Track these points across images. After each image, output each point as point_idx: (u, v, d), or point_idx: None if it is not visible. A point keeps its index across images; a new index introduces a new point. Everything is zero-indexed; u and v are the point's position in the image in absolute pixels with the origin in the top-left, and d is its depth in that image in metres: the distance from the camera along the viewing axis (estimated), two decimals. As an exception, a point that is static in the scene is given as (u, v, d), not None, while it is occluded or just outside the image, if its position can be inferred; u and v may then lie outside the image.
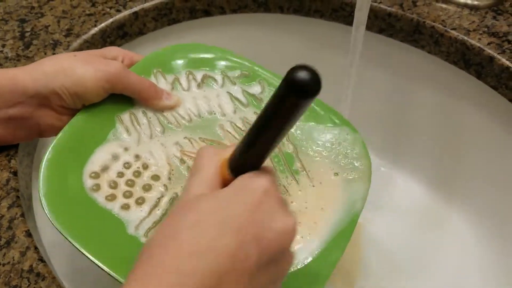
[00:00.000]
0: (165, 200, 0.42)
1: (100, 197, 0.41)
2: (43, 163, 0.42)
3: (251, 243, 0.29)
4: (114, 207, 0.41)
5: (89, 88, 0.44)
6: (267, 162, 0.44)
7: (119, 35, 0.63)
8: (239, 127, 0.48)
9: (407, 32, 0.63)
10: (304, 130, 0.48)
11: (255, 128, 0.30)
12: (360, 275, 0.65)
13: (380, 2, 0.63)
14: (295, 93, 0.27)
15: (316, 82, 0.27)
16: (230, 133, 0.47)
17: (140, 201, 0.41)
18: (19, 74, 0.44)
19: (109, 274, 0.37)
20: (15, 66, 0.56)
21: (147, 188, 0.42)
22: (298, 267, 0.39)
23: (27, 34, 0.60)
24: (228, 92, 0.50)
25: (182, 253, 0.28)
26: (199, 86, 0.50)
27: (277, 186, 0.32)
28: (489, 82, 0.59)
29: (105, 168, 0.43)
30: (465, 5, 0.63)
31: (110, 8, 0.64)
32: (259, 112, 0.48)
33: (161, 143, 0.45)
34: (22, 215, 0.44)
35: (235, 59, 0.53)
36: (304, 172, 0.45)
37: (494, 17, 0.62)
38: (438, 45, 0.61)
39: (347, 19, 0.66)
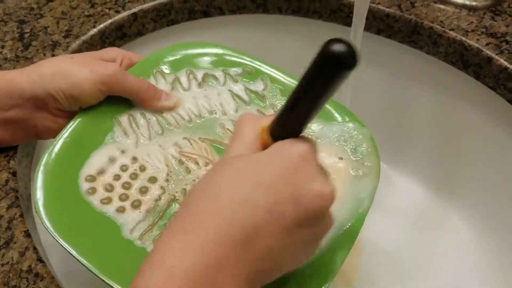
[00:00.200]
0: (162, 202, 0.41)
1: (95, 200, 0.41)
2: (39, 168, 0.42)
3: (288, 201, 0.30)
4: (109, 210, 0.41)
5: (85, 90, 0.44)
6: None
7: (118, 36, 0.63)
8: None
9: (405, 33, 0.63)
10: (311, 126, 0.47)
11: (294, 97, 0.31)
12: (359, 276, 0.65)
13: (378, 3, 0.63)
14: (332, 66, 0.27)
15: (352, 55, 0.27)
16: (231, 132, 0.47)
17: (136, 204, 0.41)
18: (17, 76, 0.44)
19: (99, 278, 0.37)
20: (14, 67, 0.56)
21: (143, 190, 0.42)
22: (302, 266, 0.39)
23: (26, 35, 0.60)
24: (229, 90, 0.50)
25: (220, 206, 0.29)
26: (199, 85, 0.50)
27: (316, 155, 0.32)
28: (488, 83, 0.59)
29: (101, 171, 0.43)
30: (463, 6, 0.63)
31: (109, 9, 0.64)
32: (262, 110, 0.49)
33: (159, 145, 0.45)
34: (21, 215, 0.45)
35: (236, 56, 0.52)
36: None
37: (492, 18, 0.62)
38: (436, 46, 0.61)
39: (346, 20, 0.66)
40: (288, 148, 0.31)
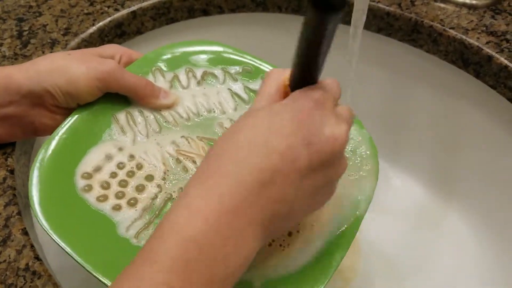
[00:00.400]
0: (158, 201, 0.41)
1: (91, 198, 0.41)
2: (35, 164, 0.42)
3: (301, 145, 0.31)
4: (105, 207, 0.40)
5: (82, 87, 0.44)
6: None
7: (117, 34, 0.63)
8: None
9: (405, 31, 0.63)
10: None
11: (298, 49, 0.32)
12: (358, 275, 0.65)
13: (379, 2, 0.63)
14: (319, 9, 0.29)
15: None
16: None
17: (132, 202, 0.41)
18: (14, 73, 0.44)
19: (93, 275, 0.36)
20: (13, 65, 0.56)
21: (140, 188, 0.42)
22: (299, 267, 0.39)
23: (25, 33, 0.60)
24: (229, 89, 0.49)
25: (237, 146, 0.31)
26: (199, 83, 0.50)
27: (330, 100, 0.34)
28: (488, 81, 0.59)
29: (97, 169, 0.42)
30: (464, 4, 0.63)
31: (108, 7, 0.64)
32: None
33: (157, 143, 0.45)
34: (19, 213, 0.44)
35: (236, 55, 0.52)
36: None
37: (493, 16, 0.61)
38: (436, 44, 0.61)
39: (345, 18, 0.65)
40: (302, 95, 0.33)
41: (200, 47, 0.53)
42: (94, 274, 0.36)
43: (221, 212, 0.29)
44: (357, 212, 0.42)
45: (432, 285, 0.65)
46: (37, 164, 0.42)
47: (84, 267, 0.37)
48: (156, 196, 0.41)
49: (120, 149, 0.44)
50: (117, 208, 0.40)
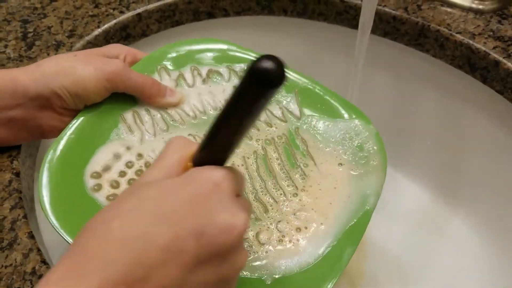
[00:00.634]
0: None
1: (101, 197, 0.41)
2: (44, 165, 0.41)
3: (190, 235, 0.27)
4: None
5: (89, 88, 0.43)
6: (281, 163, 0.44)
7: (122, 36, 0.63)
8: None
9: (412, 35, 0.63)
10: (316, 123, 0.47)
11: (216, 121, 0.28)
12: (363, 278, 0.64)
13: (385, 6, 0.63)
14: (257, 83, 0.25)
15: (279, 72, 0.25)
16: None
17: None
18: (20, 75, 0.43)
19: None
20: (18, 67, 0.55)
21: None
22: (310, 263, 0.38)
23: (29, 35, 0.59)
24: (234, 86, 0.49)
25: (108, 241, 0.27)
26: (204, 81, 0.50)
27: (232, 183, 0.30)
28: (495, 87, 0.59)
29: (106, 168, 0.42)
30: (470, 9, 0.63)
31: (114, 9, 0.63)
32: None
33: (164, 141, 0.45)
34: (25, 216, 0.44)
35: (241, 52, 0.52)
36: (315, 165, 0.44)
37: (499, 21, 0.61)
38: (443, 49, 0.61)
39: (351, 22, 0.65)
40: (201, 175, 0.29)
41: (205, 45, 0.52)
42: None
43: None
44: (367, 207, 0.42)
45: (436, 289, 0.65)
46: (46, 165, 0.41)
47: None
48: None
49: (128, 148, 0.44)
50: None
